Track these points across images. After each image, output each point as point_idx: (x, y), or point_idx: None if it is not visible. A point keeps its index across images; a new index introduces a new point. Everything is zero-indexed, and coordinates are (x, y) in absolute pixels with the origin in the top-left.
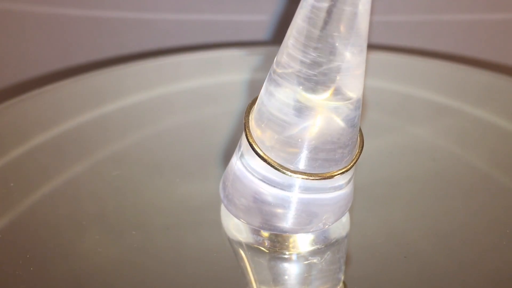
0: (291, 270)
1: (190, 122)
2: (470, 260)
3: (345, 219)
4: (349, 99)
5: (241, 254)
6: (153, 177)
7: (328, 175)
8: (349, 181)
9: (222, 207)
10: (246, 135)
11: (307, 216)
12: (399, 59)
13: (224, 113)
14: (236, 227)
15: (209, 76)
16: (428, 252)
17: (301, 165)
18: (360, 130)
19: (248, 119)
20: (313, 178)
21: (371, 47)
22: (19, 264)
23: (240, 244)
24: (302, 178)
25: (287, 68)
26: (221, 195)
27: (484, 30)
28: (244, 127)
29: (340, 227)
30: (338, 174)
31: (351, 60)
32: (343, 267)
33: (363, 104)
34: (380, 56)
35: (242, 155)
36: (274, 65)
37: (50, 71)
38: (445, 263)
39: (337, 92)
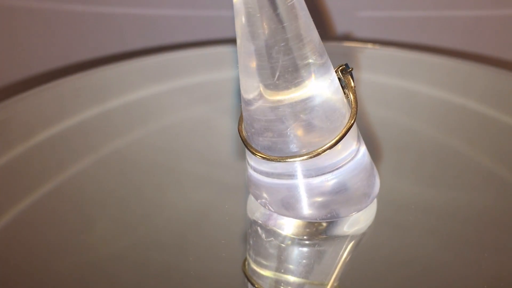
0: (295, 254)
1: (194, 117)
2: (474, 256)
3: (362, 220)
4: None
5: (256, 234)
6: (157, 172)
7: (324, 147)
8: (356, 152)
9: (250, 196)
10: (241, 138)
11: (325, 204)
12: (404, 55)
13: (228, 108)
14: (255, 210)
15: (212, 72)
16: (431, 249)
17: (295, 147)
18: (355, 100)
19: (243, 132)
20: (311, 155)
21: (376, 42)
22: (26, 257)
23: (256, 224)
24: (302, 159)
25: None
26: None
27: (488, 26)
28: (239, 134)
29: (352, 225)
30: (336, 141)
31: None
32: (341, 264)
33: (366, 100)
34: (385, 52)
35: (248, 159)
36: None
37: (54, 67)
38: (448, 260)
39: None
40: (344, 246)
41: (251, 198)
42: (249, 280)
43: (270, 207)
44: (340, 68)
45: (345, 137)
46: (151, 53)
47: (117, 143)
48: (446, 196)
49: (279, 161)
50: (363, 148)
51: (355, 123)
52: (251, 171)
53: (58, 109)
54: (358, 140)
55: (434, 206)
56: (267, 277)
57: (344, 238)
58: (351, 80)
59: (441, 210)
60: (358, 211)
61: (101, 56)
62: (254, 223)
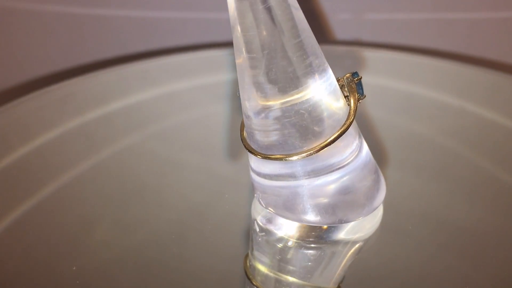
0: (296, 256)
1: (194, 120)
2: (474, 257)
3: (367, 227)
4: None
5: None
6: (157, 174)
7: (323, 144)
8: (357, 151)
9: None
10: (242, 141)
11: (329, 208)
12: (403, 57)
13: (227, 110)
14: (259, 211)
15: (213, 75)
16: (432, 255)
17: (297, 143)
18: (355, 107)
19: (243, 132)
20: (314, 151)
21: (376, 45)
22: (27, 260)
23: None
24: (305, 156)
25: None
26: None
27: (488, 29)
28: (240, 137)
29: (356, 231)
30: (335, 137)
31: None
32: (342, 268)
33: (368, 102)
34: (384, 55)
35: (249, 161)
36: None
37: (55, 70)
38: (450, 265)
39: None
40: (346, 251)
41: (256, 198)
42: (249, 279)
43: (273, 210)
44: (346, 75)
45: (346, 135)
46: (151, 56)
47: (117, 146)
48: (448, 201)
49: (279, 160)
50: (365, 149)
51: (354, 121)
52: (253, 174)
53: (59, 112)
54: (360, 140)
55: (435, 211)
56: (267, 276)
57: (346, 243)
58: (355, 89)
59: (443, 214)
60: (364, 215)
61: (101, 59)
62: (257, 223)
